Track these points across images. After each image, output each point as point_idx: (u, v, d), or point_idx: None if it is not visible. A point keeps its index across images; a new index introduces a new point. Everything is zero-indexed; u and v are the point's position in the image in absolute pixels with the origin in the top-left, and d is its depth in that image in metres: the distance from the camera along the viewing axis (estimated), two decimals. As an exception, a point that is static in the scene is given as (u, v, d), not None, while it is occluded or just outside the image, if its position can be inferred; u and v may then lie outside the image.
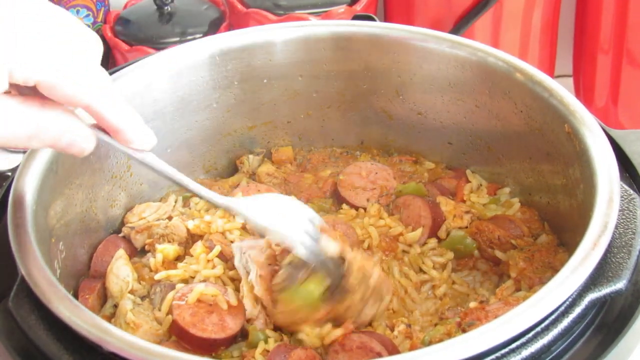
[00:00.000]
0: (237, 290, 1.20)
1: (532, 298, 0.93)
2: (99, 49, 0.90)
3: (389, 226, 1.32)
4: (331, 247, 1.13)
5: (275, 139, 1.52)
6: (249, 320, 1.16)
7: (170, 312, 1.15)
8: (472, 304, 1.15)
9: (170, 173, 1.05)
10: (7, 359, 0.98)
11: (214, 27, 2.03)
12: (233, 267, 1.25)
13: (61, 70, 0.85)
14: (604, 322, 1.01)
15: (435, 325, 1.17)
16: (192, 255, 1.27)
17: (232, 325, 1.13)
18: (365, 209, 1.37)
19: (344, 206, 1.37)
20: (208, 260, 1.24)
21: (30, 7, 0.85)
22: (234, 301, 1.16)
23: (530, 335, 0.93)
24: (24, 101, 0.85)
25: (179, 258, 1.29)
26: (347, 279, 1.12)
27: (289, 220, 1.13)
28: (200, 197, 1.10)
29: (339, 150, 1.53)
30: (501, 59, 1.31)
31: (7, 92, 0.85)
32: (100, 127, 0.95)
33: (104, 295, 1.24)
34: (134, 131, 0.95)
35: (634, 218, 1.05)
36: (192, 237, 1.31)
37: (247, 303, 1.17)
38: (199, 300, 1.15)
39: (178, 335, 1.12)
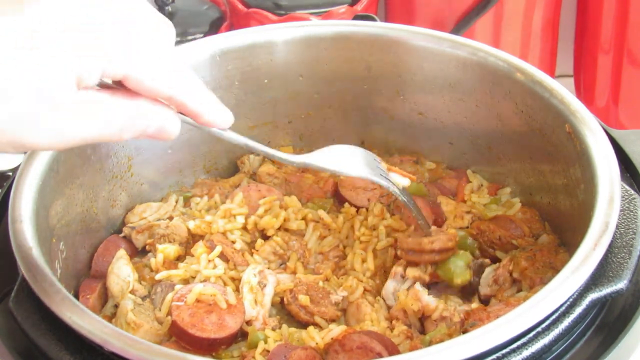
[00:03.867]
0: (237, 290, 1.21)
1: (533, 298, 0.93)
2: (172, 33, 0.93)
3: (391, 227, 1.32)
4: (401, 180, 1.21)
5: (276, 139, 1.52)
6: (248, 322, 1.16)
7: (169, 313, 1.15)
8: (474, 305, 1.15)
9: (250, 144, 1.09)
10: (8, 359, 0.98)
11: (214, 27, 2.03)
12: (234, 267, 1.25)
13: (147, 63, 0.87)
14: (605, 322, 1.01)
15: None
16: (192, 255, 1.27)
17: (232, 324, 1.13)
18: (367, 208, 1.36)
19: (346, 205, 1.37)
20: (209, 261, 1.24)
21: None
22: (233, 300, 1.16)
23: (531, 335, 0.93)
24: (113, 94, 0.87)
25: (179, 258, 1.29)
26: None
27: (359, 162, 1.19)
28: (278, 159, 1.13)
29: (340, 150, 1.53)
30: (502, 59, 1.31)
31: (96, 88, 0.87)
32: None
33: (105, 296, 1.24)
34: (214, 113, 0.97)
35: (634, 218, 1.05)
36: (193, 237, 1.31)
37: (247, 304, 1.17)
38: (197, 301, 1.15)
39: (178, 336, 1.12)
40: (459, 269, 1.20)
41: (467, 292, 1.21)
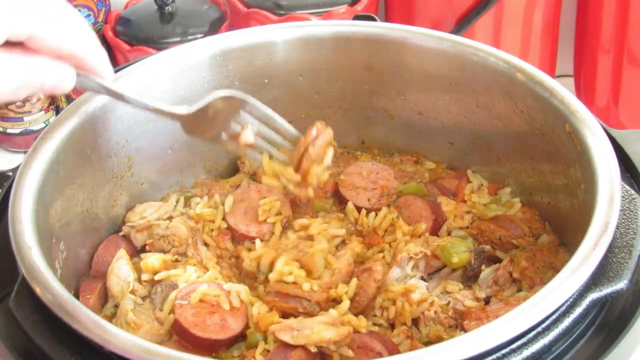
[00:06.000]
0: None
1: (533, 298, 0.93)
2: None
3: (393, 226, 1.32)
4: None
5: (276, 139, 1.52)
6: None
7: (172, 311, 1.15)
8: (476, 291, 1.17)
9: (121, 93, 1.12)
10: (8, 359, 0.98)
11: (214, 27, 2.03)
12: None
13: (51, 23, 0.90)
14: (605, 322, 1.01)
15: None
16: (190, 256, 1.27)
17: (234, 326, 1.13)
18: (367, 208, 1.36)
19: (349, 205, 1.37)
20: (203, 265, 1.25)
21: None
22: (237, 303, 1.16)
23: (531, 335, 0.93)
24: (9, 52, 0.89)
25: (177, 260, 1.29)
26: None
27: None
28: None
29: (340, 150, 1.53)
30: (502, 59, 1.31)
31: None
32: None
33: (105, 296, 1.24)
34: (106, 68, 1.04)
35: (634, 218, 1.05)
36: (193, 237, 1.31)
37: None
38: (201, 300, 1.15)
39: (179, 335, 1.12)
40: (457, 250, 1.21)
41: (469, 277, 1.21)
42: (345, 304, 1.14)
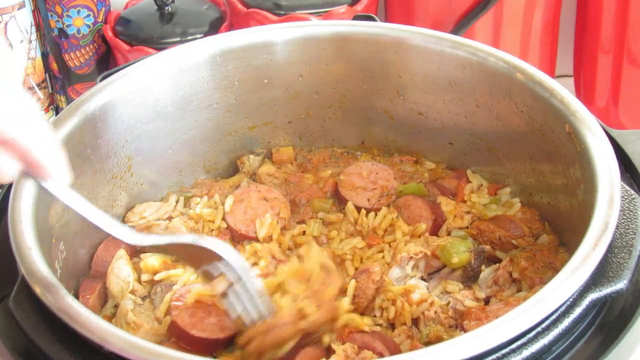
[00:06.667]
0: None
1: (533, 298, 0.93)
2: (18, 66, 0.88)
3: (393, 226, 1.32)
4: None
5: (275, 139, 1.52)
6: None
7: (168, 313, 1.14)
8: (476, 292, 1.17)
9: (86, 213, 1.02)
10: (8, 359, 0.98)
11: (214, 27, 2.03)
12: None
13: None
14: (605, 322, 1.01)
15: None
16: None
17: (231, 325, 1.13)
18: (366, 208, 1.36)
19: (349, 205, 1.37)
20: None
21: None
22: None
23: (531, 335, 0.93)
24: None
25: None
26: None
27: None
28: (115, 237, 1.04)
29: (340, 151, 1.53)
30: (502, 59, 1.31)
31: None
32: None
33: (105, 296, 1.24)
34: (56, 167, 0.93)
35: (634, 218, 1.05)
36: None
37: None
38: (196, 301, 1.15)
39: (178, 336, 1.12)
40: (457, 250, 1.21)
41: (469, 277, 1.21)
42: (345, 301, 1.14)
